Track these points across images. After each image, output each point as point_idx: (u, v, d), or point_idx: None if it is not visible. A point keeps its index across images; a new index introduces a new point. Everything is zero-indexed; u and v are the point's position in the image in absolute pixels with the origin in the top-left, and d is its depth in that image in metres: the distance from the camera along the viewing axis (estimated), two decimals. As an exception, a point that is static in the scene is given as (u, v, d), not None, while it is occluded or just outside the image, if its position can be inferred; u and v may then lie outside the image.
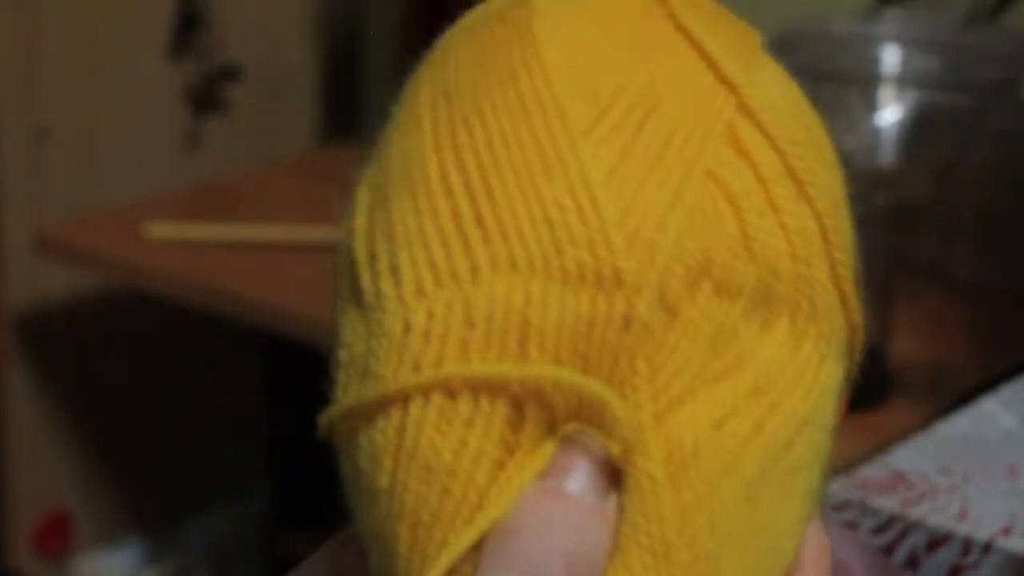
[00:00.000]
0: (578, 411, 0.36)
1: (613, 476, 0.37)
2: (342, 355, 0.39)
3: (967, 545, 0.80)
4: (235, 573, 1.84)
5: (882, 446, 0.90)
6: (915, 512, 0.82)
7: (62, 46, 1.62)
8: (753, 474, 0.37)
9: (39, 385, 1.67)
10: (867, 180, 1.22)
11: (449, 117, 0.39)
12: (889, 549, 0.82)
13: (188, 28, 1.72)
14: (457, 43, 0.42)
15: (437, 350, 0.37)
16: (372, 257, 0.39)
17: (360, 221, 0.40)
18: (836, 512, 0.82)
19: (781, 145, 0.40)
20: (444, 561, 0.36)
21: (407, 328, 0.37)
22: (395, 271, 0.38)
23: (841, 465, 0.85)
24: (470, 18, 0.43)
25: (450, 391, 0.36)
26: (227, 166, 1.76)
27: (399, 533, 0.37)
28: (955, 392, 1.15)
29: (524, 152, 0.38)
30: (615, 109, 0.39)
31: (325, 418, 0.39)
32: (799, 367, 0.39)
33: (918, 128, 1.34)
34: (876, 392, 1.17)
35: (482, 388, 0.36)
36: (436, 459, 0.36)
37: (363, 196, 0.40)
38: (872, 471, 0.85)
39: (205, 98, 1.75)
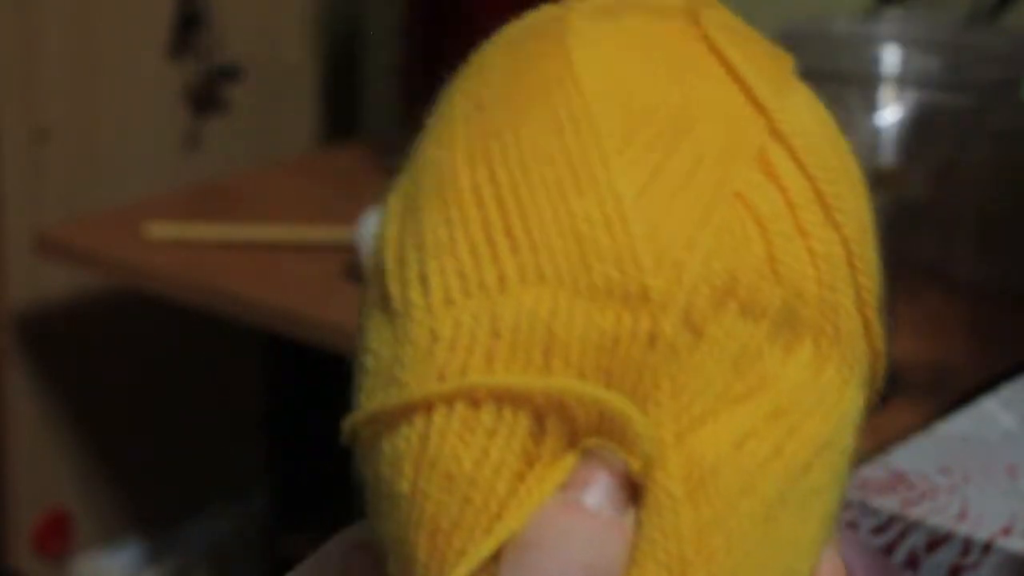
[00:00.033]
0: (599, 425, 0.36)
1: (632, 491, 0.37)
2: (368, 361, 0.39)
3: (967, 545, 0.80)
4: (235, 573, 1.84)
5: (882, 446, 0.90)
6: (915, 512, 0.82)
7: (62, 46, 1.62)
8: (772, 495, 0.37)
9: (39, 385, 1.67)
10: (867, 180, 1.22)
11: (482, 129, 0.40)
12: (889, 549, 0.82)
13: (188, 28, 1.72)
14: (492, 56, 0.42)
15: (462, 360, 0.37)
16: (402, 265, 0.39)
17: (391, 229, 0.40)
18: (836, 512, 0.81)
19: (811, 170, 0.40)
20: (462, 570, 0.36)
21: (434, 337, 0.37)
22: (424, 280, 0.38)
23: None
24: (506, 32, 0.43)
25: (474, 401, 0.37)
26: (227, 166, 1.76)
27: (418, 540, 0.37)
28: (955, 392, 1.15)
29: (555, 166, 0.38)
30: (648, 128, 0.39)
31: (348, 423, 0.39)
32: (821, 391, 0.39)
33: (918, 128, 1.34)
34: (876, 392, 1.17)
35: (505, 399, 0.36)
36: (457, 468, 0.36)
37: (395, 205, 0.40)
38: (872, 471, 0.85)
39: (205, 98, 1.75)
